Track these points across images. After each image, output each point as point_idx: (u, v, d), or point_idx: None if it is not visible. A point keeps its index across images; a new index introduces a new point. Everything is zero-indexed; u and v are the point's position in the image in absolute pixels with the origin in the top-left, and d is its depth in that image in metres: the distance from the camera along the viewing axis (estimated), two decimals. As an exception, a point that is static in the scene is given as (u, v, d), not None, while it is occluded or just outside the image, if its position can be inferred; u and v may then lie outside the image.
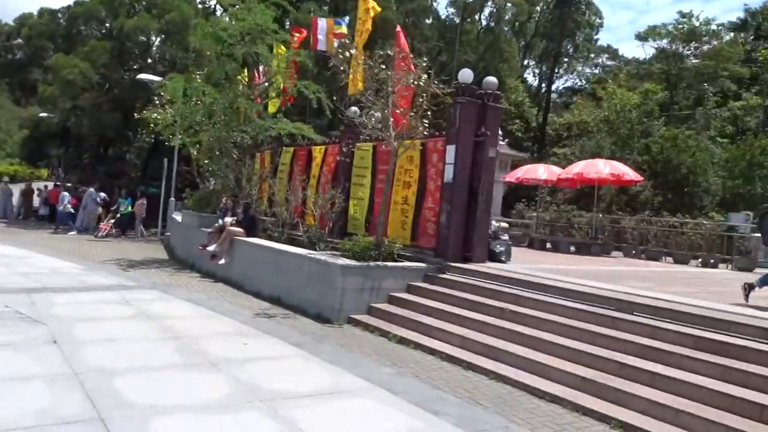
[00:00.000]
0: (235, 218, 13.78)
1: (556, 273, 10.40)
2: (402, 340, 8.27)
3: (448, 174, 11.00)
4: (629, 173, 18.21)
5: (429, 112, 10.74)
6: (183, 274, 13.52)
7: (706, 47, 33.18)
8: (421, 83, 10.38)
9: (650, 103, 29.64)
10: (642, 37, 35.84)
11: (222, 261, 12.95)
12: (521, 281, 9.18)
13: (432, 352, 7.75)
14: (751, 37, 39.71)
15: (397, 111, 10.71)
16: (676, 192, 23.63)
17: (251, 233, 13.16)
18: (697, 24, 32.97)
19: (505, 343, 7.56)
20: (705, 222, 18.20)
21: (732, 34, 35.67)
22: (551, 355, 7.04)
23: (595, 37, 49.82)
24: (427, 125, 10.73)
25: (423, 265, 10.51)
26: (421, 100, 10.43)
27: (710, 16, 41.82)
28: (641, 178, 18.73)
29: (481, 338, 7.80)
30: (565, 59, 42.80)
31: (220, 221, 13.80)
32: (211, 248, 13.23)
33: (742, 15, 43.57)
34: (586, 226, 21.17)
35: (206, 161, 16.07)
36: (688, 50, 34.25)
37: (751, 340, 6.33)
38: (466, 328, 8.21)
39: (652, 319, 7.24)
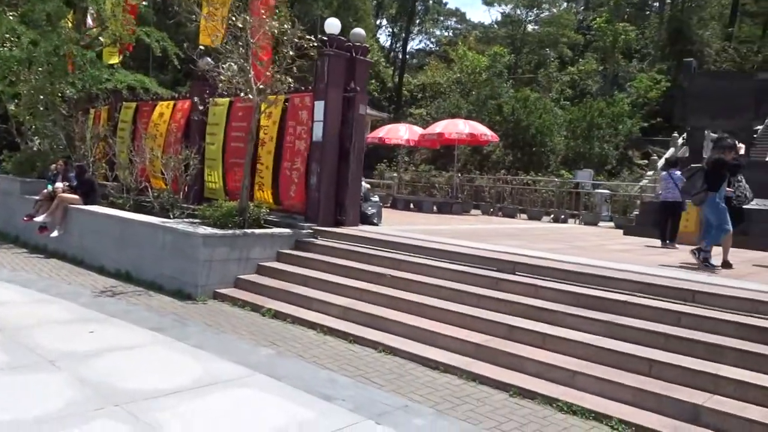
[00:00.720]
0: (67, 183, 11.93)
1: (430, 234, 10.19)
2: (277, 315, 7.54)
3: (318, 132, 10.25)
4: (487, 133, 18.65)
5: (294, 66, 9.85)
6: (4, 251, 11.51)
7: (545, 14, 35.01)
8: (285, 32, 9.42)
9: (498, 66, 30.76)
10: (488, 2, 37.07)
11: (54, 233, 11.18)
12: (399, 244, 8.80)
13: (312, 326, 7.13)
14: (582, 8, 42.81)
15: (257, 63, 9.68)
16: (525, 151, 24.85)
17: (89, 200, 11.48)
18: (539, -11, 34.75)
19: (390, 311, 7.14)
20: (556, 179, 19.22)
21: (566, 3, 37.96)
22: (439, 321, 6.73)
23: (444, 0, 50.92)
24: (291, 81, 9.83)
25: (293, 231, 9.76)
26: (285, 50, 9.48)
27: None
28: (497, 138, 19.30)
29: (363, 307, 7.31)
30: (418, 20, 43.10)
31: (50, 187, 11.88)
32: (39, 219, 11.37)
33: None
34: (447, 186, 21.58)
35: (28, 117, 13.74)
36: (530, 16, 35.97)
37: (629, 294, 6.45)
38: (346, 297, 7.67)
39: (533, 278, 7.19)
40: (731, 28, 35.81)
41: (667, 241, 11.21)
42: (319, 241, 9.59)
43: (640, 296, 6.40)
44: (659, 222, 11.44)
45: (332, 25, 10.28)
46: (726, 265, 8.32)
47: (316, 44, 9.77)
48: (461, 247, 8.53)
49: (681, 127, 25.85)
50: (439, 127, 18.80)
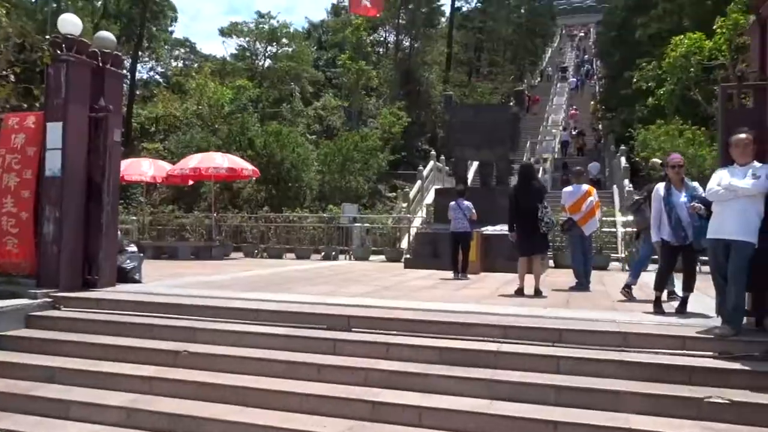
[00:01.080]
0: None
1: (211, 287, 8.29)
2: (14, 439, 4.94)
3: (53, 164, 7.62)
4: (248, 168, 17.04)
5: (12, 73, 7.22)
6: None
7: (289, 49, 34.92)
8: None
9: (243, 99, 29.39)
10: (226, 33, 35.59)
11: None
12: (187, 306, 6.77)
13: (81, 449, 4.76)
14: (314, 47, 44.13)
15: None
16: (279, 187, 23.76)
17: None
18: (276, 25, 34.42)
19: (199, 405, 5.16)
20: (324, 215, 18.41)
21: (305, 41, 38.56)
22: (274, 410, 5.00)
23: (171, 28, 47.78)
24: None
25: (20, 302, 6.97)
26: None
27: (287, 20, 45.29)
28: (258, 173, 17.81)
29: (157, 404, 5.18)
30: (147, 47, 39.42)
31: None
32: None
33: (306, 25, 48.38)
34: (200, 228, 19.27)
35: None
36: (271, 50, 35.50)
37: (494, 341, 5.58)
38: (126, 393, 5.42)
39: (376, 333, 5.92)
40: (448, 72, 40.22)
41: (459, 274, 10.97)
42: (63, 313, 7.00)
43: (506, 342, 5.56)
44: (451, 253, 11.18)
45: (69, 22, 7.80)
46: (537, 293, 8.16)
47: (46, 48, 7.29)
48: (270, 302, 6.87)
49: (425, 161, 27.58)
50: (193, 161, 16.57)
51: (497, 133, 14.00)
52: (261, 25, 35.27)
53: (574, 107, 42.60)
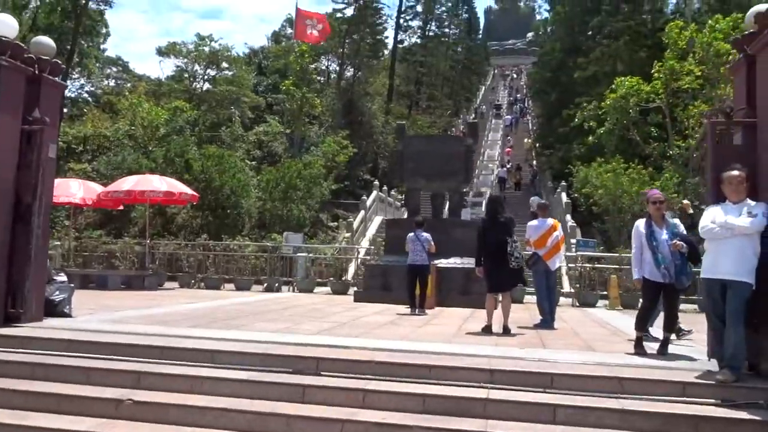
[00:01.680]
0: None
1: (154, 321, 7.50)
2: None
3: (-25, 180, 6.71)
4: (187, 192, 16.12)
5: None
6: None
7: (229, 73, 34.09)
8: None
9: (180, 120, 28.27)
10: (163, 53, 34.36)
11: None
12: (130, 346, 5.99)
13: None
14: (255, 72, 43.46)
15: None
16: (217, 214, 22.77)
17: None
18: (218, 47, 33.59)
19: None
20: (268, 244, 17.63)
21: (245, 67, 37.87)
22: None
23: (103, 46, 45.97)
24: None
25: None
26: None
27: (228, 43, 44.17)
28: (197, 197, 16.87)
29: (96, 466, 4.40)
30: (77, 63, 37.55)
31: None
32: None
33: (246, 51, 47.73)
34: (131, 255, 18.02)
35: None
36: (210, 72, 34.55)
37: (480, 387, 5.13)
38: (58, 452, 4.60)
39: (349, 377, 5.37)
40: (390, 104, 40.42)
41: (417, 309, 10.52)
42: (-20, 352, 6.05)
43: (495, 388, 5.12)
44: (408, 287, 10.73)
45: (3, 23, 6.98)
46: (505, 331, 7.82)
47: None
48: (227, 341, 6.18)
49: (366, 191, 27.27)
50: (127, 183, 15.49)
51: (451, 164, 13.82)
52: (201, 47, 34.31)
53: (510, 143, 43.64)
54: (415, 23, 50.39)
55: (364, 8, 36.07)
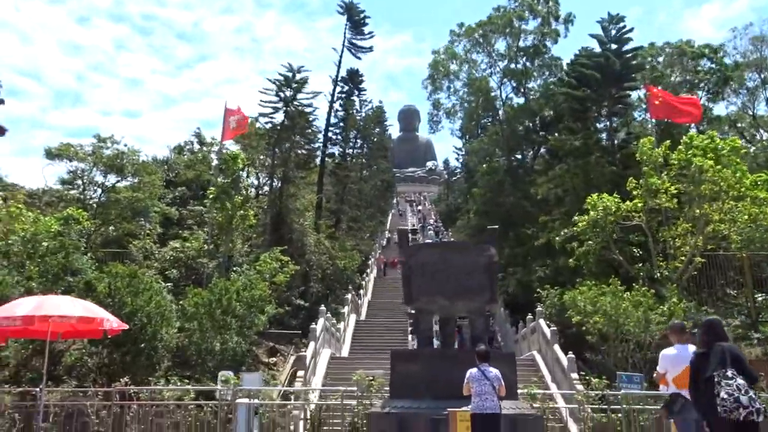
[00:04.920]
0: None
1: None
2: None
3: None
4: (110, 318, 12.60)
5: None
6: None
7: (136, 179, 31.08)
8: None
9: (72, 233, 24.55)
10: (53, 155, 30.80)
11: None
12: None
13: None
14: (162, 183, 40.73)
15: None
16: (126, 348, 18.93)
17: None
18: (126, 150, 30.68)
19: None
20: (219, 387, 14.13)
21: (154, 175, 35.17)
22: None
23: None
24: None
25: None
26: None
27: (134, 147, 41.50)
28: (126, 325, 13.39)
29: None
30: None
31: None
32: None
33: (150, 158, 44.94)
34: (8, 411, 13.85)
35: None
36: (112, 179, 31.35)
37: None
38: None
39: None
40: (318, 220, 38.56)
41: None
42: None
43: None
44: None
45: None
46: None
47: None
48: None
49: (296, 319, 24.40)
50: (24, 307, 11.77)
51: (473, 278, 11.66)
52: (100, 149, 31.29)
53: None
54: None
55: (297, 115, 34.96)
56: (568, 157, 31.20)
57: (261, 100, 36.61)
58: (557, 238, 25.04)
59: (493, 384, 8.19)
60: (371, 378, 14.11)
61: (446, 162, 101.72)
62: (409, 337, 28.01)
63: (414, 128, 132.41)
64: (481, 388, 8.19)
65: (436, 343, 14.95)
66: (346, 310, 29.91)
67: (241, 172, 28.10)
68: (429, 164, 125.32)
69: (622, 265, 22.97)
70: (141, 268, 24.54)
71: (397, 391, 11.47)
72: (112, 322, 12.55)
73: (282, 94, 36.07)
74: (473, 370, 8.37)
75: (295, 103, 36.26)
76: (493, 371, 8.36)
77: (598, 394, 13.67)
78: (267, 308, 20.99)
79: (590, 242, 22.56)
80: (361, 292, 35.93)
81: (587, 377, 15.80)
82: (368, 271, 41.83)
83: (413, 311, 12.55)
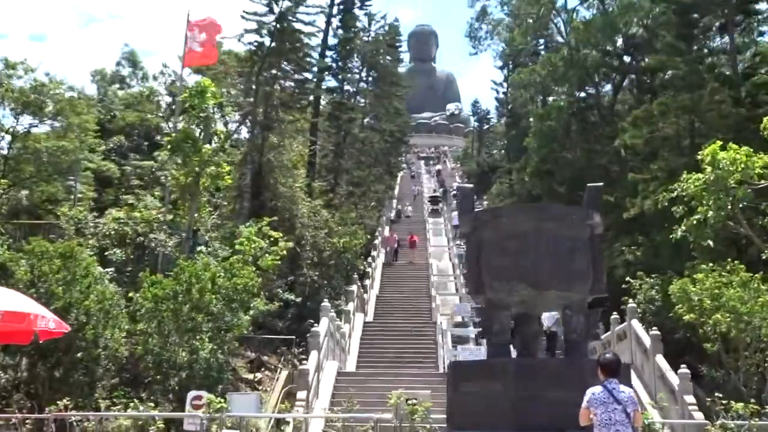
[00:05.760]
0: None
1: None
2: None
3: None
4: (47, 314, 12.25)
5: None
6: None
7: (60, 122, 30.99)
8: None
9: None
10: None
11: None
12: None
13: None
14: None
15: None
16: (53, 359, 19.03)
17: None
18: (46, 82, 30.32)
19: None
20: (200, 415, 13.92)
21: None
22: None
23: None
24: None
25: None
26: None
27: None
28: (66, 327, 13.11)
29: None
30: None
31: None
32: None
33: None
34: None
35: None
36: (29, 119, 31.22)
37: None
38: None
39: None
40: (313, 181, 38.51)
41: None
42: None
43: None
44: None
45: None
46: None
47: None
48: None
49: (315, 317, 24.19)
50: None
51: (572, 259, 11.23)
52: (9, 80, 30.89)
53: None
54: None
55: (288, 33, 34.30)
56: (667, 90, 30.59)
57: (245, 12, 35.94)
58: (636, 207, 24.57)
59: (626, 409, 7.80)
60: (413, 400, 13.92)
61: (476, 105, 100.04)
62: (441, 342, 27.92)
63: (430, 57, 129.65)
64: (610, 415, 7.80)
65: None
66: (351, 307, 29.71)
67: (212, 112, 27.57)
68: (451, 107, 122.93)
69: (752, 243, 22.51)
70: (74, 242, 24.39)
71: (460, 420, 11.21)
72: (49, 321, 12.19)
73: (274, 4, 35.57)
74: (596, 390, 7.98)
75: (290, 19, 35.75)
76: (626, 391, 8.01)
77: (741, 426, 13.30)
78: (255, 303, 20.79)
79: (704, 210, 21.97)
80: (367, 283, 35.83)
81: (715, 400, 15.46)
82: (374, 254, 41.91)
83: (482, 306, 12.18)
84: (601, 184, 13.32)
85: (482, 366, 12.33)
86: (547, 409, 10.01)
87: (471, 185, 14.85)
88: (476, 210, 12.38)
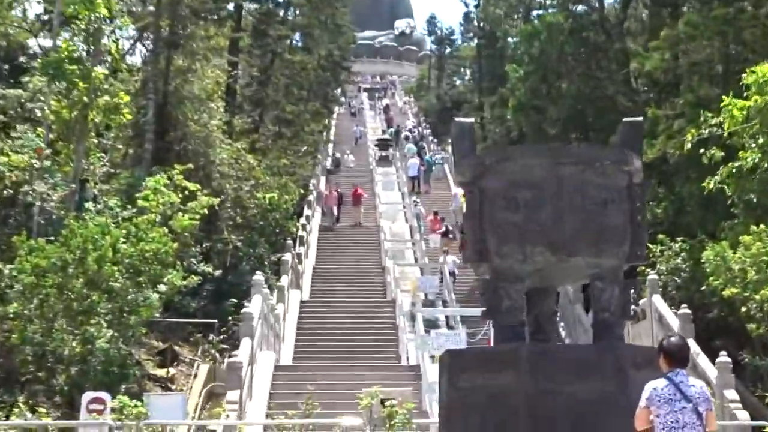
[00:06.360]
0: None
1: None
2: None
3: None
4: None
5: None
6: None
7: None
8: None
9: None
10: None
11: None
12: None
13: None
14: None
15: None
16: None
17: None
18: None
19: None
20: (110, 422, 14.00)
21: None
22: None
23: None
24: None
25: None
26: None
27: None
28: None
29: None
30: None
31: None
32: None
33: None
34: None
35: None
36: None
37: None
38: None
39: None
40: (233, 117, 38.62)
41: None
42: None
43: None
44: None
45: None
46: None
47: None
48: None
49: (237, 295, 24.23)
50: None
51: (604, 216, 11.21)
52: None
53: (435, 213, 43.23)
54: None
55: None
56: (691, 2, 30.83)
57: None
58: (681, 145, 24.66)
59: (697, 408, 7.75)
60: (390, 401, 14.01)
61: (432, 21, 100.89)
62: (402, 326, 28.34)
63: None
64: (677, 416, 7.74)
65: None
66: (285, 282, 30.00)
67: (104, 24, 27.36)
68: (400, 25, 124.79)
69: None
70: None
71: (456, 424, 11.17)
72: None
73: None
74: (659, 384, 7.91)
75: None
76: (697, 385, 7.93)
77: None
78: (170, 276, 21.00)
79: (748, 154, 22.22)
80: (301, 251, 36.10)
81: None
82: (309, 213, 42.39)
83: (487, 276, 12.10)
84: (641, 118, 13.28)
85: (487, 354, 12.31)
86: (571, 408, 10.00)
87: (471, 119, 14.65)
88: (476, 153, 12.24)
